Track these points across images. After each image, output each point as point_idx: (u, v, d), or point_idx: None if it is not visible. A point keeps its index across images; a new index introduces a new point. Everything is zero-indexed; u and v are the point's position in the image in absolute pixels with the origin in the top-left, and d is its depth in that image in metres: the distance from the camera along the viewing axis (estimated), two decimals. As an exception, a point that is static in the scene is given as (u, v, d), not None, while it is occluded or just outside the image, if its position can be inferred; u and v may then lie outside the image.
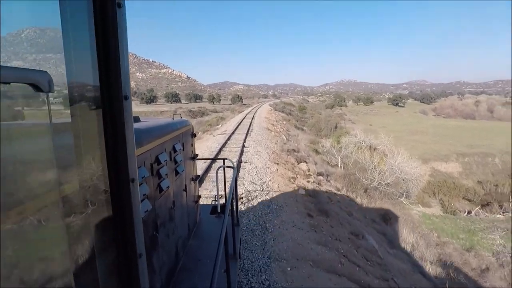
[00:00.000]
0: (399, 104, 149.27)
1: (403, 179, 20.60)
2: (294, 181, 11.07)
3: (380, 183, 19.03)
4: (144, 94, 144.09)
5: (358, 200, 14.82)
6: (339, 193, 13.76)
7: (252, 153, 13.93)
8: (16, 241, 0.71)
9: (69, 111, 0.89)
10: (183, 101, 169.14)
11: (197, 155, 4.06)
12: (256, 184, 9.32)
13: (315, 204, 9.25)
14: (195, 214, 3.85)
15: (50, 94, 0.79)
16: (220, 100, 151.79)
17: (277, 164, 13.03)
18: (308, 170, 16.00)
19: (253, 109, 61.31)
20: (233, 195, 3.55)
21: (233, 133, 21.37)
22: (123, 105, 1.00)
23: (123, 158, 1.02)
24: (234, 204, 3.86)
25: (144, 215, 1.90)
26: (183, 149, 3.23)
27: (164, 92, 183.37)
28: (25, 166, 0.76)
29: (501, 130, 62.08)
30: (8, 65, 0.77)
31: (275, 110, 60.14)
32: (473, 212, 20.80)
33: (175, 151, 2.86)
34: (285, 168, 13.04)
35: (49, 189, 0.83)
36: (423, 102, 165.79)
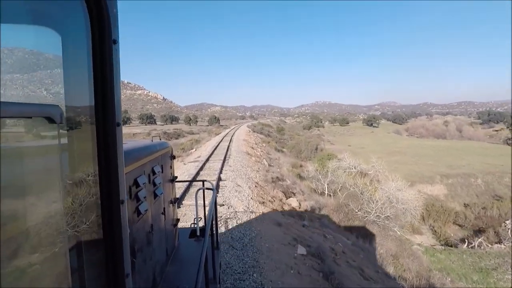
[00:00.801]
0: (373, 125, 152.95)
1: (401, 210, 18.42)
2: (287, 229, 8.33)
3: (378, 215, 16.70)
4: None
5: (360, 241, 12.28)
6: (339, 235, 11.17)
7: (230, 189, 11.13)
8: (4, 259, 0.73)
9: (66, 135, 0.96)
10: (158, 123, 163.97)
11: (176, 177, 3.92)
12: (236, 248, 6.40)
13: (321, 266, 6.54)
14: (173, 238, 3.71)
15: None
16: (196, 121, 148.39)
17: (263, 203, 10.33)
18: (299, 206, 13.44)
19: (230, 130, 58.80)
20: (213, 218, 3.31)
21: (208, 159, 18.45)
22: (115, 131, 1.05)
23: (115, 180, 1.05)
24: (213, 227, 3.63)
25: None
26: (162, 171, 3.16)
27: (139, 114, 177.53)
28: (26, 184, 0.83)
29: (474, 150, 63.41)
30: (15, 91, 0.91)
31: (254, 131, 57.96)
32: (475, 243, 18.82)
33: (154, 173, 2.79)
34: (273, 208, 10.36)
35: (42, 209, 0.88)
36: (395, 122, 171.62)
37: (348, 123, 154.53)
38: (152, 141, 3.33)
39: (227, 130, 62.27)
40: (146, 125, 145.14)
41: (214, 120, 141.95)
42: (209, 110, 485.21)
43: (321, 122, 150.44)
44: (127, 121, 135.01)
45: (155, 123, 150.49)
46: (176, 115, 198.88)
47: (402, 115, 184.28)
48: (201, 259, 1.98)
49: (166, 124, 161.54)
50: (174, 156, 3.93)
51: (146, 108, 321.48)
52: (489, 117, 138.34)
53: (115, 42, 1.07)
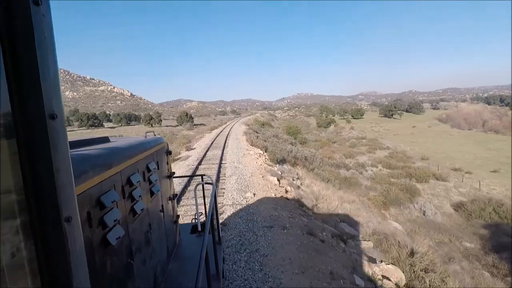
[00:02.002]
0: (394, 116, 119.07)
1: None
2: None
3: None
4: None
5: None
6: None
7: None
8: None
9: None
10: (110, 124, 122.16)
11: (173, 173, 3.78)
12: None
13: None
14: (174, 235, 3.62)
15: None
16: (161, 120, 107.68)
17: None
18: None
19: (210, 141, 20.73)
20: (213, 212, 3.21)
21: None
22: (47, 127, 0.78)
23: (52, 191, 0.80)
24: (215, 221, 3.64)
25: (116, 242, 1.72)
26: (158, 168, 3.05)
27: (93, 113, 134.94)
28: None
29: None
30: None
31: (257, 144, 20.60)
32: None
33: (149, 170, 2.68)
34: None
35: None
36: (410, 112, 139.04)
37: (362, 115, 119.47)
38: (145, 137, 3.21)
39: (202, 141, 24.23)
40: (87, 128, 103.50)
41: (185, 117, 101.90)
42: (185, 105, 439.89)
43: (334, 115, 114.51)
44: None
45: (100, 125, 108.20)
46: (137, 114, 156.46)
47: (418, 104, 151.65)
48: (201, 255, 1.88)
49: (121, 125, 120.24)
50: (170, 152, 3.77)
51: (107, 105, 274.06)
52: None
53: (38, 2, 0.77)
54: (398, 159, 33.29)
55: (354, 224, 9.81)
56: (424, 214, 18.49)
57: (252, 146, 20.17)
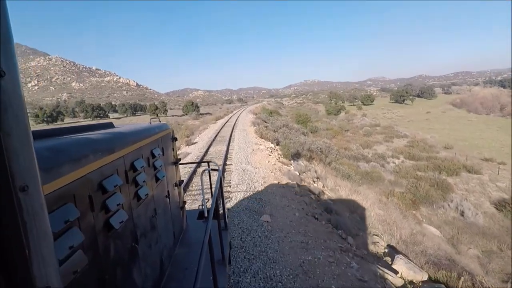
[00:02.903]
0: (405, 102, 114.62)
1: None
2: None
3: None
4: (41, 109, 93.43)
5: None
6: None
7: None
8: None
9: None
10: (115, 115, 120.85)
11: (179, 159, 3.79)
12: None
13: None
14: (180, 221, 3.62)
15: None
16: (166, 110, 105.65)
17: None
18: None
19: (214, 132, 18.26)
20: (219, 198, 3.30)
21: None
22: None
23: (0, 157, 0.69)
24: (221, 207, 3.68)
25: (119, 226, 1.74)
26: (163, 154, 3.05)
27: (102, 104, 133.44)
28: None
29: None
30: None
31: (267, 135, 18.09)
32: None
33: (153, 156, 2.68)
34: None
35: None
36: (421, 97, 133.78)
37: (373, 101, 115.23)
38: (150, 123, 3.20)
39: (206, 133, 21.82)
40: (92, 119, 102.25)
41: (191, 107, 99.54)
42: (191, 95, 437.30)
43: (343, 101, 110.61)
44: (57, 116, 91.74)
45: (106, 115, 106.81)
46: (143, 104, 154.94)
47: (430, 89, 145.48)
48: (204, 240, 1.86)
49: (126, 116, 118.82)
50: (176, 138, 3.73)
51: (114, 96, 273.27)
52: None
53: None
54: (420, 148, 30.45)
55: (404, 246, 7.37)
56: (462, 215, 15.95)
57: (262, 138, 17.71)
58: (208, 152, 13.24)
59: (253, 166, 10.23)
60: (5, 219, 0.69)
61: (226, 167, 10.34)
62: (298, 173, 11.01)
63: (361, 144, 31.80)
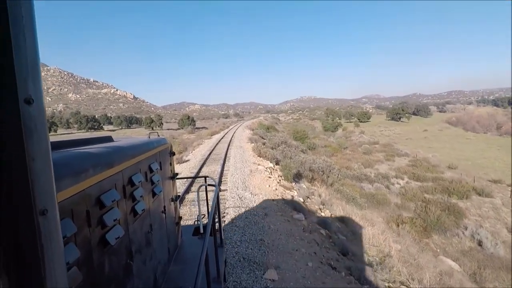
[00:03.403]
0: (402, 119, 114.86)
1: None
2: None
3: None
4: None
5: None
6: None
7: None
8: None
9: None
10: (110, 127, 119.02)
11: (177, 174, 3.76)
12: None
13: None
14: (176, 236, 3.54)
15: None
16: (161, 123, 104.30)
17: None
18: None
19: (207, 149, 16.74)
20: (216, 214, 3.32)
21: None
22: (20, 112, 0.69)
23: (24, 181, 0.71)
24: (217, 223, 3.65)
25: (115, 242, 1.72)
26: (161, 169, 3.00)
27: (97, 115, 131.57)
28: None
29: None
30: None
31: (265, 154, 16.65)
32: None
33: (151, 171, 2.66)
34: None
35: None
36: (417, 115, 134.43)
37: (369, 119, 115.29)
38: (149, 137, 3.16)
39: (199, 149, 20.27)
40: (86, 131, 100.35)
41: (187, 120, 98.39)
42: (187, 109, 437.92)
43: (340, 118, 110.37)
44: (50, 127, 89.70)
45: (100, 127, 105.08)
46: (139, 116, 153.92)
47: (425, 107, 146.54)
48: (201, 257, 1.86)
49: (121, 128, 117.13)
50: (174, 153, 3.72)
51: (109, 108, 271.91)
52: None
53: None
54: (424, 168, 29.23)
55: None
56: (480, 245, 14.48)
57: (260, 157, 16.29)
58: (201, 173, 11.74)
59: (252, 192, 8.77)
60: (24, 243, 0.70)
61: (219, 193, 8.90)
62: (302, 200, 9.56)
63: (362, 163, 30.50)
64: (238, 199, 8.03)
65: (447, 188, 21.35)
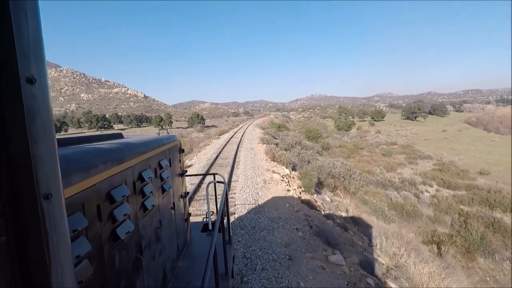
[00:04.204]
0: (417, 118, 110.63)
1: None
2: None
3: None
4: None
5: None
6: None
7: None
8: None
9: None
10: (120, 126, 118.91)
11: (186, 171, 3.69)
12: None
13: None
14: (185, 233, 3.54)
15: None
16: (171, 122, 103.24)
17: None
18: None
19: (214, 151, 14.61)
20: (224, 212, 3.29)
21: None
22: (22, 92, 0.67)
23: (27, 163, 0.69)
24: (226, 220, 3.63)
25: (126, 236, 1.74)
26: (170, 165, 3.02)
27: (109, 114, 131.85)
28: None
29: None
30: None
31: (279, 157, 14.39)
32: None
33: (161, 167, 2.66)
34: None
35: None
36: (433, 114, 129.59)
37: (383, 117, 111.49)
38: (158, 134, 3.14)
39: (207, 150, 18.16)
40: (96, 130, 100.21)
41: (196, 119, 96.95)
42: (197, 107, 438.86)
43: (353, 116, 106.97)
44: (61, 126, 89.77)
45: (110, 126, 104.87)
46: (149, 115, 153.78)
47: (441, 106, 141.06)
48: (209, 253, 1.83)
49: (131, 127, 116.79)
50: (183, 150, 3.71)
51: (120, 107, 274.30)
52: None
53: None
54: (452, 174, 26.48)
55: None
56: (540, 272, 11.95)
57: (274, 161, 14.11)
58: (202, 186, 9.61)
59: (268, 215, 6.61)
60: (28, 227, 0.69)
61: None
62: (332, 223, 7.35)
63: (384, 166, 27.93)
64: (251, 229, 5.89)
65: (486, 199, 18.68)
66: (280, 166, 13.56)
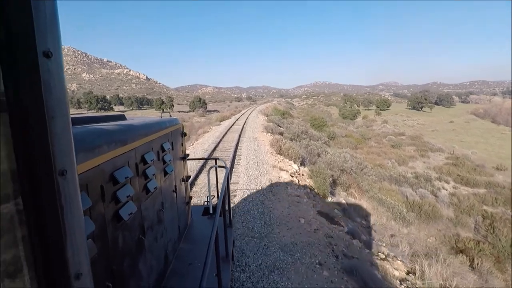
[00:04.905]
0: (423, 109, 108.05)
1: None
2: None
3: None
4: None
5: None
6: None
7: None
8: None
9: None
10: (120, 108, 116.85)
11: (188, 154, 3.74)
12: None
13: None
14: (186, 216, 3.57)
15: None
16: (172, 105, 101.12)
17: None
18: None
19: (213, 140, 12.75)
20: (225, 196, 3.09)
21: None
22: (39, 65, 0.66)
23: (43, 140, 0.68)
24: (226, 204, 3.47)
25: (128, 217, 1.75)
26: (173, 149, 3.02)
27: (110, 96, 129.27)
28: None
29: None
30: None
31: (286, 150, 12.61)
32: None
33: (163, 150, 2.67)
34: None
35: None
36: (439, 105, 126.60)
37: (389, 107, 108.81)
38: (161, 117, 3.20)
39: (206, 137, 16.37)
40: (96, 111, 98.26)
41: (198, 103, 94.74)
42: (200, 91, 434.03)
43: (358, 105, 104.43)
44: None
45: (110, 108, 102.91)
46: (150, 98, 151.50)
47: (448, 97, 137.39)
48: (211, 236, 1.86)
49: (131, 109, 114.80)
50: (185, 133, 3.70)
51: (122, 88, 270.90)
52: None
53: None
54: (468, 169, 24.71)
55: None
56: None
57: (280, 155, 12.36)
58: (197, 181, 7.87)
59: (278, 239, 4.87)
60: (43, 202, 0.70)
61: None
62: (358, 244, 5.66)
63: (396, 159, 26.15)
64: (256, 269, 3.99)
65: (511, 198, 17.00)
66: (287, 160, 11.82)
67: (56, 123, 0.70)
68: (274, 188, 7.67)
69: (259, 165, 10.07)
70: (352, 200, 11.46)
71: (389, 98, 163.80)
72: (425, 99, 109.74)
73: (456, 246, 12.44)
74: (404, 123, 75.92)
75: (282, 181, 8.42)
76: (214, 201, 4.20)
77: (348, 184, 12.63)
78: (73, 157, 0.76)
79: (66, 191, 0.73)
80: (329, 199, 9.14)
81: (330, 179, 10.52)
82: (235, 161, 10.87)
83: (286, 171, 9.85)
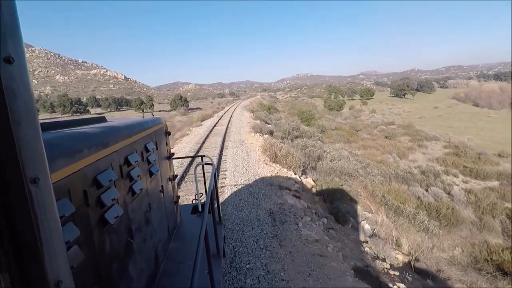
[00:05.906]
0: (406, 96, 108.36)
1: None
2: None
3: None
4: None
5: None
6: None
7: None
8: None
9: None
10: (98, 110, 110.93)
11: (173, 154, 3.71)
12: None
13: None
14: (174, 215, 3.57)
15: None
16: (153, 105, 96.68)
17: None
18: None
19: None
20: (213, 192, 3.16)
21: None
22: (0, 72, 0.65)
23: (10, 146, 0.66)
24: (215, 201, 3.61)
25: (115, 221, 1.72)
26: (157, 148, 2.99)
27: (87, 97, 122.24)
28: None
29: None
30: None
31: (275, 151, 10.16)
32: None
33: (147, 150, 2.64)
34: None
35: None
36: (420, 91, 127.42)
37: (373, 95, 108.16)
38: (143, 117, 3.12)
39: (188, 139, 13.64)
40: (71, 114, 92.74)
41: (179, 101, 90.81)
42: (181, 88, 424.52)
43: (342, 95, 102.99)
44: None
45: (86, 111, 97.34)
46: (129, 98, 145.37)
47: (428, 83, 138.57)
48: (200, 234, 1.84)
49: (110, 111, 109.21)
50: (169, 132, 3.64)
51: (99, 89, 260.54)
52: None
53: None
54: (471, 158, 23.05)
55: None
56: None
57: (276, 163, 9.82)
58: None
59: None
60: (17, 212, 0.68)
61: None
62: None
63: (396, 153, 24.17)
64: None
65: (532, 192, 15.19)
66: (285, 170, 9.29)
67: (23, 129, 0.68)
68: (279, 229, 5.13)
69: (252, 183, 7.49)
70: (369, 215, 9.12)
71: (372, 87, 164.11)
72: (407, 86, 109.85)
73: (491, 259, 10.38)
74: (391, 111, 75.05)
75: (287, 210, 5.90)
76: (203, 199, 3.84)
77: (358, 191, 10.27)
78: (45, 164, 0.74)
79: (39, 199, 0.71)
80: (349, 225, 6.70)
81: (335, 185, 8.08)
82: (219, 178, 8.23)
83: (288, 189, 7.32)
